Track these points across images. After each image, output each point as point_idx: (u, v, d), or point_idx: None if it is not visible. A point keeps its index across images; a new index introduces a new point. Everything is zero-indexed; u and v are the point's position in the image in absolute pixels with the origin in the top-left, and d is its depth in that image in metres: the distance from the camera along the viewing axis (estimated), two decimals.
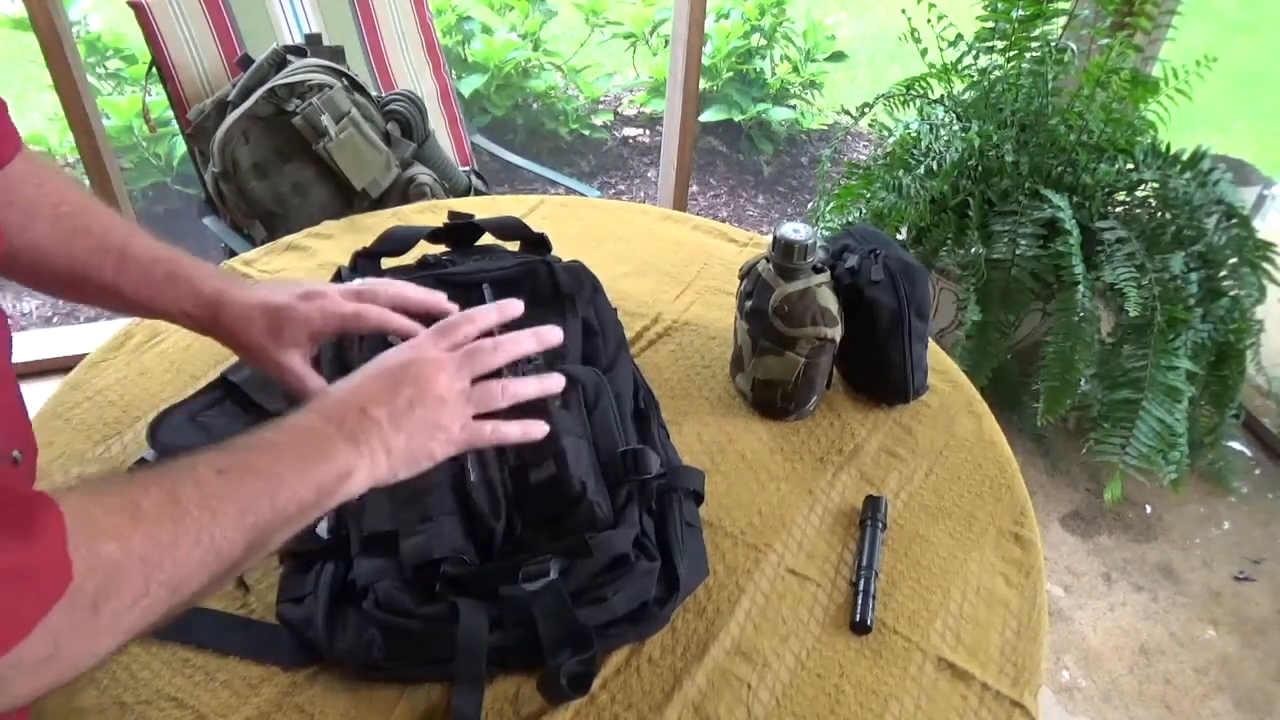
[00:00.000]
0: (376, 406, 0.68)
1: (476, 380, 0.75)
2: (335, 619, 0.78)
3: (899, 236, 2.23)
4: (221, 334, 0.83)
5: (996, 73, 2.17)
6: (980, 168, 2.11)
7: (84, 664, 0.51)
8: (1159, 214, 2.05)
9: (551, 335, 0.80)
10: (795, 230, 0.99)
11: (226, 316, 0.82)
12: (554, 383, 0.79)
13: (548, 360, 0.92)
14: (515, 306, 0.82)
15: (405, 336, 0.81)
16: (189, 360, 1.12)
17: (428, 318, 0.84)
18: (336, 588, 0.80)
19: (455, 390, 0.72)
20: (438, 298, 0.88)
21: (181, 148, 2.71)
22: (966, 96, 2.24)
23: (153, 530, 0.54)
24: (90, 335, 2.61)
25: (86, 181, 2.08)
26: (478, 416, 0.74)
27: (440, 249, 1.17)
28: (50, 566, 0.48)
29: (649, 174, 3.60)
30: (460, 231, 1.16)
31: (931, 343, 1.16)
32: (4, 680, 0.47)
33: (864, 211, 2.22)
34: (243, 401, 1.01)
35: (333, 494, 0.64)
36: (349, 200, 1.73)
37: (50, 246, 0.76)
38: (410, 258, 1.14)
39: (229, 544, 0.57)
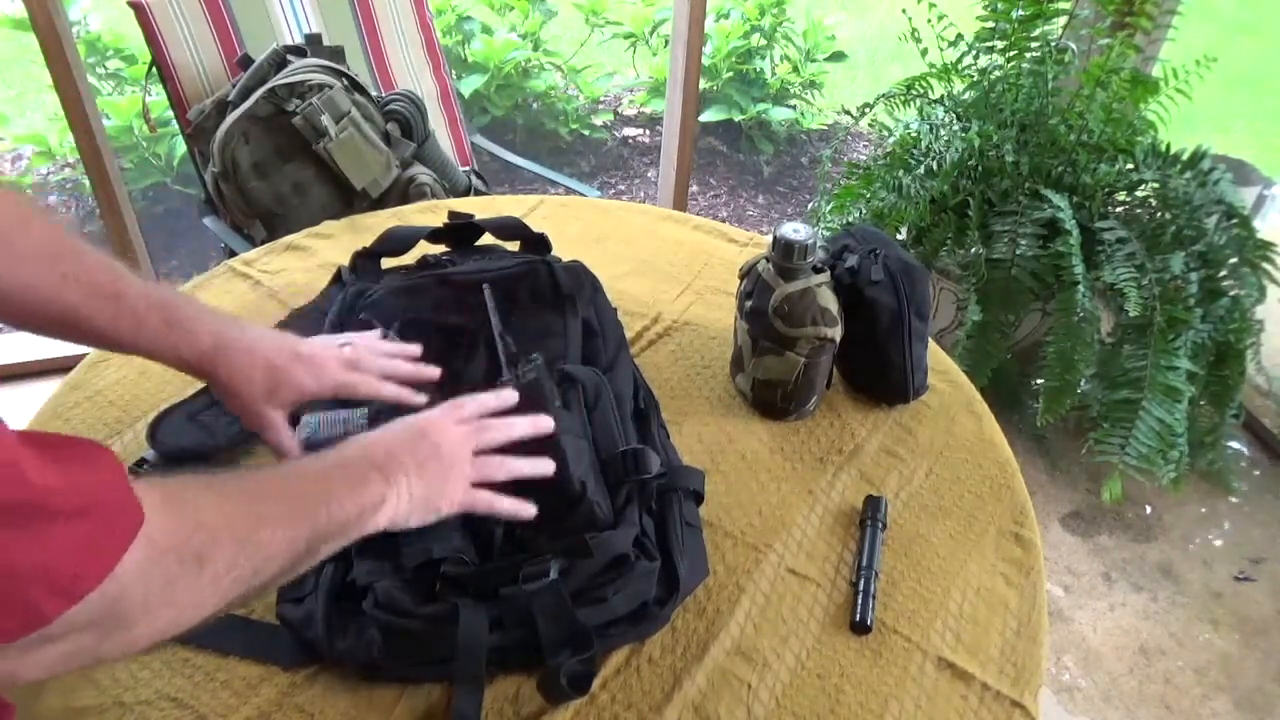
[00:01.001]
0: (404, 454, 0.76)
1: (479, 454, 0.81)
2: (335, 619, 0.78)
3: (899, 236, 2.23)
4: (217, 384, 0.85)
5: (996, 73, 2.17)
6: (980, 168, 2.11)
7: (193, 618, 0.57)
8: (1159, 214, 2.05)
9: (544, 424, 0.85)
10: (795, 230, 0.99)
11: (225, 370, 0.84)
12: (544, 465, 0.83)
13: (548, 362, 0.93)
14: (511, 396, 0.87)
15: (396, 404, 0.91)
16: None
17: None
18: (336, 588, 0.80)
19: (462, 457, 0.79)
20: (428, 372, 0.95)
21: (181, 148, 2.71)
22: (966, 96, 2.24)
23: (241, 508, 0.61)
24: None
25: (86, 182, 2.08)
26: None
27: (440, 249, 1.17)
28: (118, 493, 0.52)
29: (649, 174, 3.59)
30: (460, 231, 1.16)
31: (931, 343, 1.16)
32: (125, 613, 0.52)
33: (864, 211, 2.22)
34: None
35: (367, 520, 0.71)
36: (349, 200, 1.73)
37: (42, 291, 0.76)
38: (410, 257, 1.14)
39: (296, 540, 0.64)
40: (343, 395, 0.90)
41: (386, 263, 1.15)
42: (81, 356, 1.13)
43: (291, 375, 0.86)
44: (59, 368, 2.28)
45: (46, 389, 1.08)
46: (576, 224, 1.45)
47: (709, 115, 3.56)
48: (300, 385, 0.87)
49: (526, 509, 0.80)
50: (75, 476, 0.50)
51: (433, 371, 0.95)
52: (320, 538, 0.67)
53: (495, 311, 1.01)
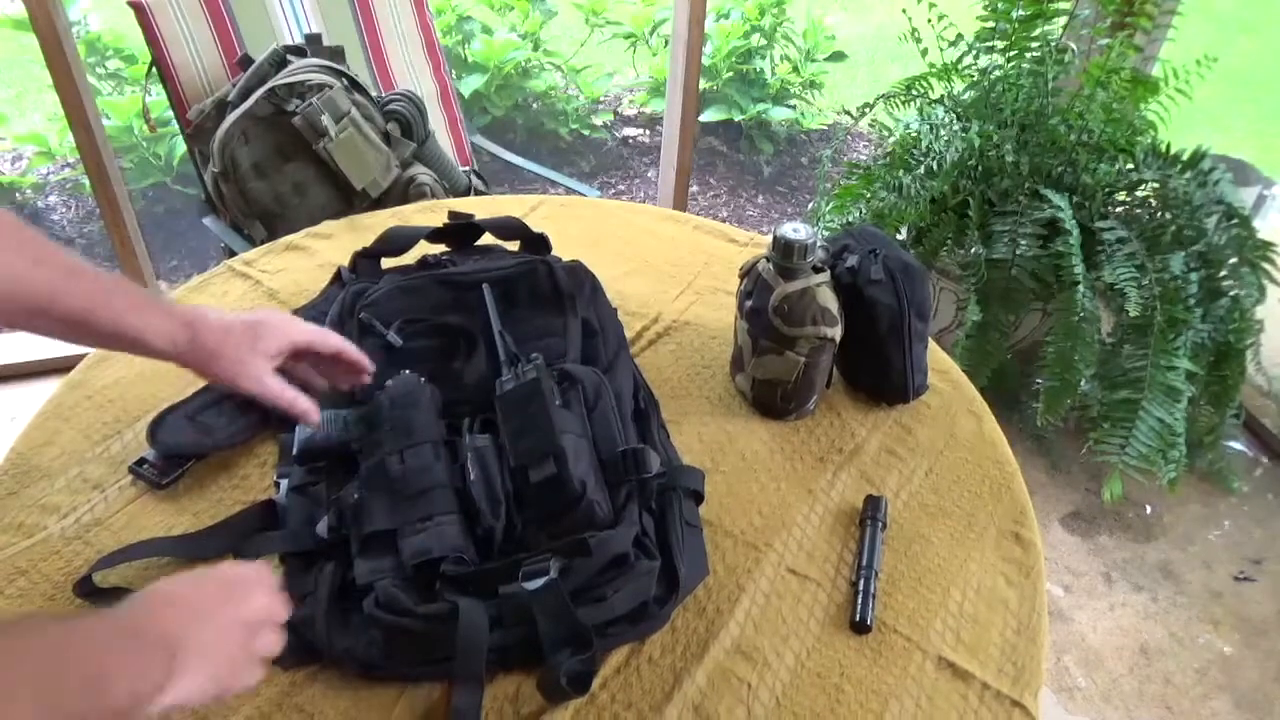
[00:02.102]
0: (210, 619, 0.65)
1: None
2: (335, 619, 0.78)
3: (899, 236, 2.23)
4: (199, 351, 0.85)
5: (997, 73, 2.17)
6: (980, 168, 2.11)
7: None
8: (1159, 214, 2.05)
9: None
10: (795, 230, 0.99)
11: (205, 333, 0.85)
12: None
13: (548, 361, 0.93)
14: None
15: (353, 366, 0.94)
16: None
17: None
18: (337, 587, 0.80)
19: (268, 629, 0.69)
20: (365, 361, 0.97)
21: (181, 148, 2.71)
22: (967, 96, 2.23)
23: None
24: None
25: (86, 182, 2.08)
26: None
27: (440, 249, 1.17)
28: None
29: (649, 174, 3.59)
30: (460, 231, 1.16)
31: (931, 342, 1.16)
32: None
33: (864, 211, 2.22)
34: (241, 402, 1.01)
35: (136, 707, 0.58)
36: (349, 200, 1.73)
37: (15, 273, 0.76)
38: (410, 257, 1.14)
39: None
40: (318, 343, 0.92)
41: (386, 262, 1.15)
42: (81, 356, 1.13)
43: (269, 322, 0.89)
44: (59, 368, 2.29)
45: (46, 389, 1.09)
46: (576, 224, 1.45)
47: (709, 115, 3.56)
48: (281, 329, 0.89)
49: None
50: None
51: (369, 364, 0.97)
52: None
53: (495, 311, 1.01)
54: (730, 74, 3.63)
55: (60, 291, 0.78)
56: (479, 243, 1.18)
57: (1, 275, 0.75)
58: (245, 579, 0.70)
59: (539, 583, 0.75)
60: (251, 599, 0.68)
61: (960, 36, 2.17)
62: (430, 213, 1.47)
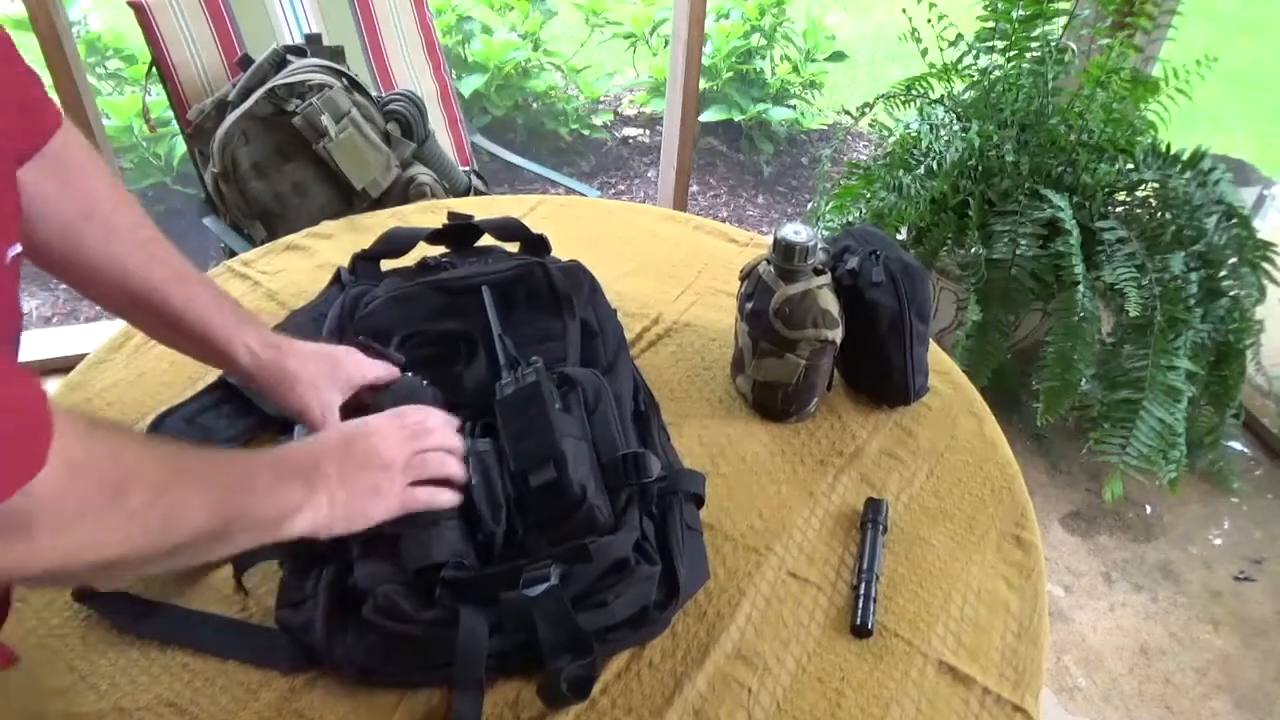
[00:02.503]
0: (331, 464, 0.75)
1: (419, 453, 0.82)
2: (335, 624, 0.78)
3: (899, 236, 2.22)
4: (280, 372, 0.88)
5: (996, 73, 2.17)
6: (980, 168, 2.10)
7: (94, 553, 0.55)
8: (1159, 214, 2.05)
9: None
10: (796, 232, 0.99)
11: (291, 353, 0.89)
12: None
13: (547, 364, 0.92)
14: (454, 420, 0.89)
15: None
16: (188, 362, 1.11)
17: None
18: (336, 592, 0.79)
19: (398, 460, 0.80)
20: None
21: (181, 148, 2.71)
22: (966, 96, 2.23)
23: (164, 464, 0.61)
24: (91, 335, 2.61)
25: None
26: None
27: (440, 250, 1.16)
28: (36, 409, 0.52)
29: (649, 174, 3.59)
30: (460, 232, 1.16)
31: (932, 344, 1.16)
32: (30, 526, 0.51)
33: (864, 211, 2.22)
34: (241, 404, 1.01)
35: (282, 524, 0.71)
36: (349, 200, 1.72)
37: (129, 266, 0.81)
38: (410, 259, 1.14)
39: (212, 515, 0.63)
40: (383, 378, 0.95)
41: (386, 264, 1.15)
42: (82, 357, 1.13)
43: (346, 360, 0.93)
44: (59, 368, 2.28)
45: (46, 389, 1.08)
46: (576, 224, 1.45)
47: (709, 115, 3.56)
48: (357, 368, 0.93)
49: (448, 497, 0.82)
50: None
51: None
52: (235, 526, 0.66)
53: (494, 314, 1.01)
54: (730, 74, 3.63)
55: (165, 292, 0.83)
56: (478, 244, 1.18)
57: (116, 267, 0.80)
58: (364, 427, 0.81)
59: (540, 589, 0.75)
60: (372, 444, 0.79)
61: (960, 36, 2.17)
62: (430, 213, 1.47)
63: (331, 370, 0.91)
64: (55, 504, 0.52)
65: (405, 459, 0.80)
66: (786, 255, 0.99)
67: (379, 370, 0.95)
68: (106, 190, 0.81)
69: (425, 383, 0.94)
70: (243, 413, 1.01)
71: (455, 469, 0.83)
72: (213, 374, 1.06)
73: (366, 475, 0.77)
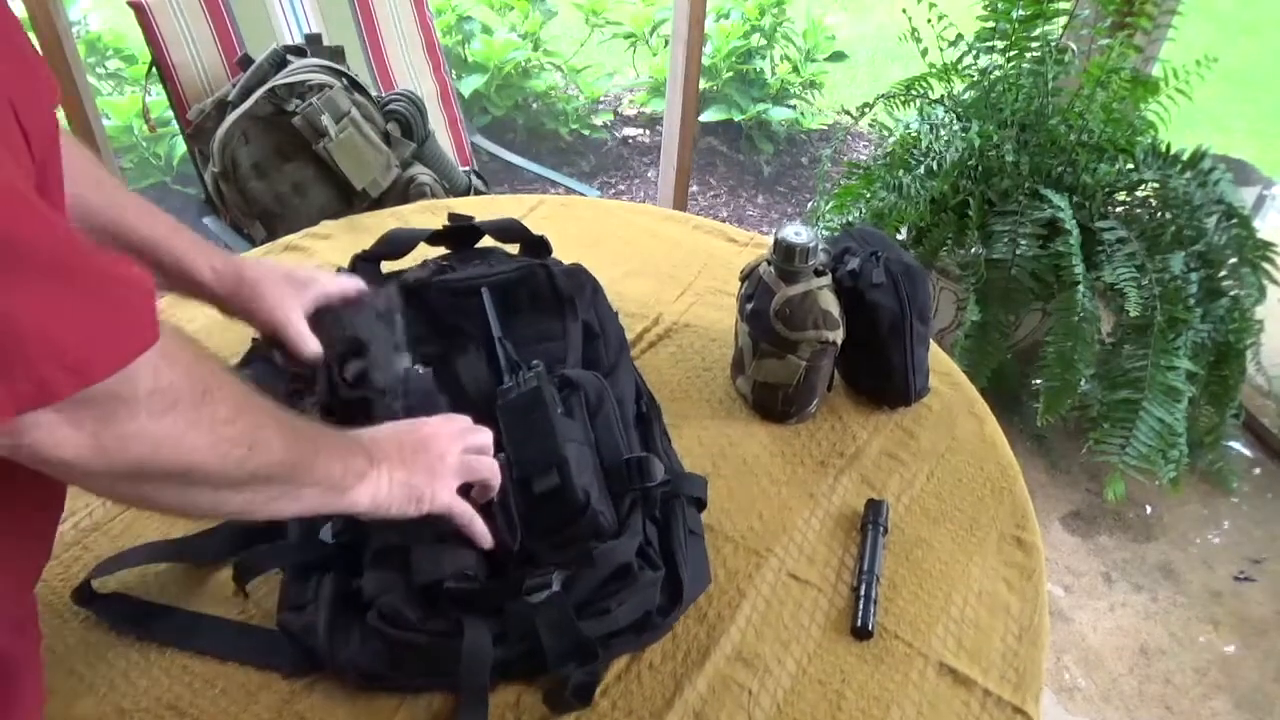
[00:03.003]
0: (390, 444, 0.77)
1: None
2: (338, 629, 0.78)
3: (899, 236, 2.22)
4: (242, 285, 0.91)
5: (996, 73, 2.16)
6: (980, 168, 2.10)
7: (179, 452, 0.56)
8: (1159, 214, 2.05)
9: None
10: (796, 233, 0.98)
11: (249, 266, 0.92)
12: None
13: (549, 366, 0.92)
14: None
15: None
16: None
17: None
18: (339, 598, 0.79)
19: (451, 453, 0.80)
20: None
21: (181, 148, 2.71)
22: (966, 96, 2.23)
23: (239, 386, 0.62)
24: None
25: None
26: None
27: (440, 251, 1.16)
28: (144, 299, 0.53)
29: (649, 174, 3.59)
30: (460, 234, 1.16)
31: (933, 344, 1.16)
32: (126, 411, 0.52)
33: (864, 211, 2.21)
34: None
35: (350, 487, 0.71)
36: (349, 200, 1.72)
37: (93, 203, 0.83)
38: (410, 260, 1.14)
39: (289, 453, 0.65)
40: (350, 291, 0.99)
41: (386, 266, 1.15)
42: None
43: (303, 271, 0.97)
44: None
45: None
46: (576, 224, 1.44)
47: (709, 115, 3.56)
48: (319, 284, 0.96)
49: (488, 540, 0.81)
50: (106, 262, 0.50)
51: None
52: (306, 476, 0.67)
53: (494, 316, 1.01)
54: (730, 74, 3.62)
55: (128, 225, 0.85)
56: (479, 245, 1.18)
57: (78, 207, 0.81)
58: (422, 428, 0.82)
59: (542, 596, 0.75)
60: (428, 439, 0.80)
61: (960, 36, 2.16)
62: (430, 213, 1.47)
63: (291, 277, 0.94)
64: (153, 385, 0.52)
65: (455, 454, 0.81)
66: (787, 256, 0.99)
67: (344, 283, 0.98)
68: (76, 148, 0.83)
69: (435, 384, 0.93)
70: None
71: (497, 475, 0.83)
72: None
73: (424, 459, 0.78)
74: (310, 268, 0.98)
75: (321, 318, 0.96)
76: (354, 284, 1.00)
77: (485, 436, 0.84)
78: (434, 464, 0.78)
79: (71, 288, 0.48)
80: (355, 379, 0.93)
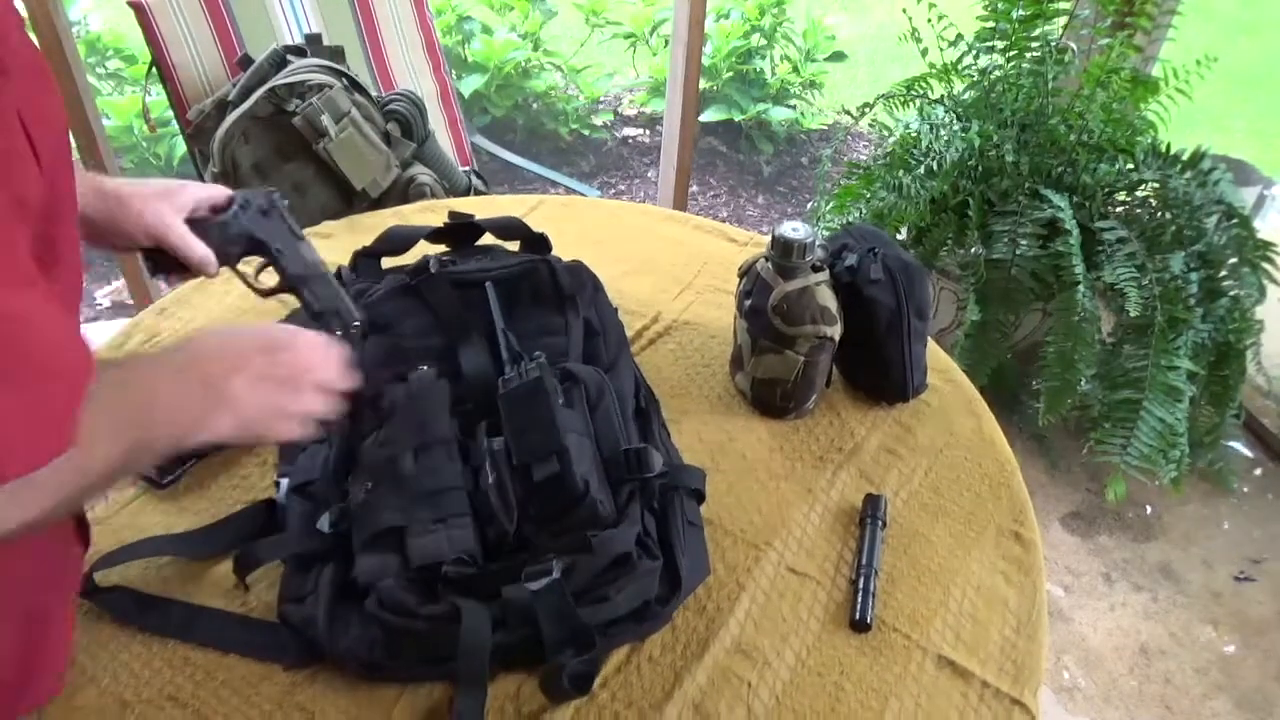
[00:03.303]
0: (243, 374, 0.72)
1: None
2: (337, 618, 0.78)
3: (899, 236, 2.23)
4: (112, 206, 0.89)
5: (997, 73, 2.17)
6: (980, 168, 2.11)
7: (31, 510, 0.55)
8: (1159, 214, 2.05)
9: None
10: (794, 229, 0.99)
11: (117, 188, 0.90)
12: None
13: (550, 360, 0.93)
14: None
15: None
16: None
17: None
18: (338, 587, 0.80)
19: (310, 387, 0.77)
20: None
21: (181, 148, 2.71)
22: (966, 96, 2.23)
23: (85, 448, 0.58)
24: (90, 335, 2.61)
25: None
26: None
27: (440, 249, 1.17)
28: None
29: (649, 174, 3.59)
30: (460, 231, 1.16)
31: (931, 342, 1.16)
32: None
33: (864, 211, 2.22)
34: None
35: (181, 437, 0.68)
36: (349, 200, 1.73)
37: None
38: (410, 257, 1.14)
39: (111, 445, 0.61)
40: (218, 196, 0.98)
41: (386, 262, 1.15)
42: None
43: (180, 185, 0.95)
44: None
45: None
46: (576, 224, 1.45)
47: (709, 115, 3.56)
48: (188, 190, 0.95)
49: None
50: (42, 356, 0.51)
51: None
52: (133, 456, 0.64)
53: (498, 309, 1.01)
54: (730, 74, 3.63)
55: None
56: (479, 243, 1.18)
57: None
58: (292, 341, 0.77)
59: (541, 583, 0.75)
60: (297, 359, 0.76)
61: (960, 36, 2.17)
62: (430, 213, 1.47)
63: (164, 190, 0.93)
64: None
65: (314, 389, 0.77)
66: (785, 252, 0.99)
67: (213, 189, 0.97)
68: None
69: (440, 379, 0.93)
70: None
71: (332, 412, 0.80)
72: None
73: (280, 396, 0.74)
74: (185, 182, 0.97)
75: (205, 225, 0.95)
76: (222, 190, 0.98)
77: (345, 379, 0.81)
78: (284, 401, 0.75)
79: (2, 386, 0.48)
80: (268, 278, 0.96)
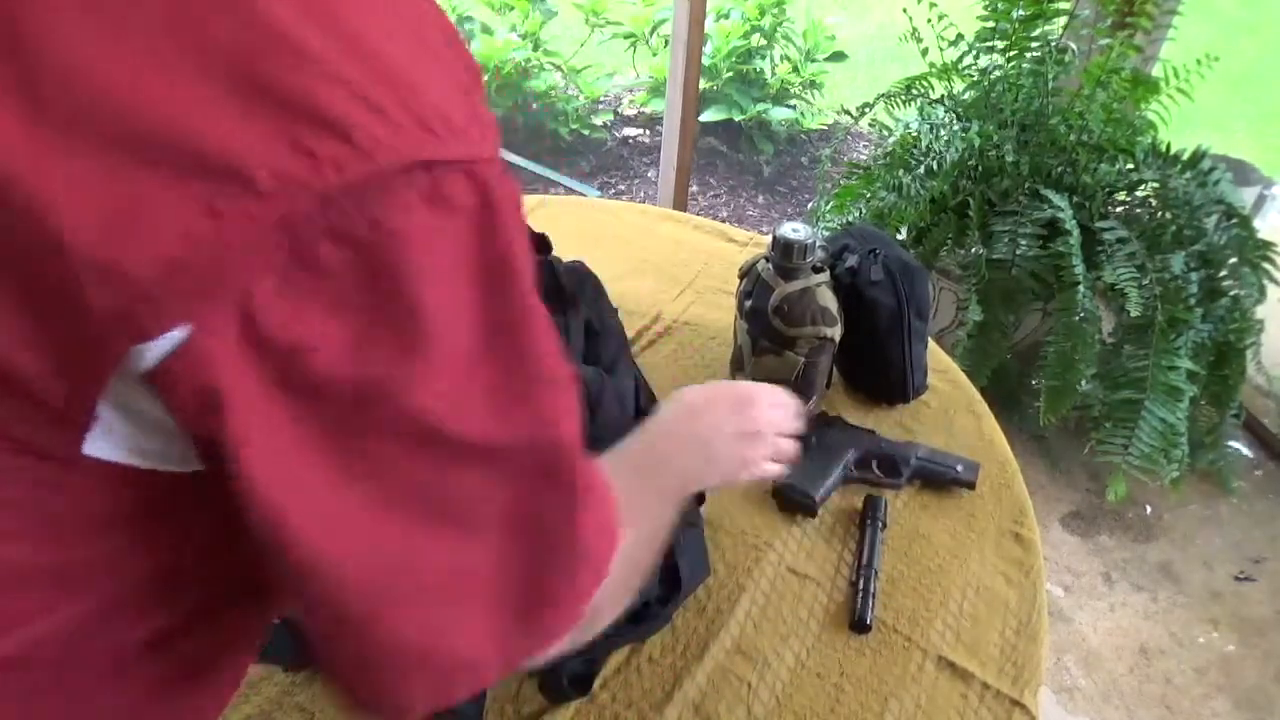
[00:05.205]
0: (727, 428, 0.75)
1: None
2: None
3: (899, 236, 2.23)
4: None
5: (997, 73, 2.17)
6: (980, 168, 2.11)
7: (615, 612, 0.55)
8: (1159, 214, 2.05)
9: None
10: (795, 230, 0.99)
11: None
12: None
13: None
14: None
15: None
16: None
17: None
18: None
19: (770, 438, 0.78)
20: None
21: None
22: (967, 96, 2.23)
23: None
24: None
25: None
26: None
27: None
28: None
29: (649, 174, 3.59)
30: None
31: (931, 342, 1.16)
32: (598, 609, 0.50)
33: (864, 211, 2.22)
34: None
35: (687, 492, 0.70)
36: None
37: None
38: None
39: (650, 554, 0.62)
40: None
41: None
42: None
43: None
44: None
45: None
46: (576, 224, 1.45)
47: (709, 115, 3.56)
48: None
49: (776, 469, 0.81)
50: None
51: None
52: (665, 505, 0.66)
53: None
54: (730, 74, 3.63)
55: None
56: None
57: None
58: (756, 396, 0.78)
59: None
60: (761, 415, 0.77)
61: (960, 36, 2.17)
62: None
63: None
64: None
65: (771, 439, 0.79)
66: (785, 253, 0.99)
67: None
68: None
69: None
70: None
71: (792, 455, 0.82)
72: None
73: (749, 448, 0.76)
74: None
75: None
76: None
77: (794, 424, 0.82)
78: (752, 456, 0.77)
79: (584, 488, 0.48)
80: None
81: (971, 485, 1.01)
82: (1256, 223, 2.05)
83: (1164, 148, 2.04)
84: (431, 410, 0.39)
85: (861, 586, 0.89)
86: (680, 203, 2.65)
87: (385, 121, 0.35)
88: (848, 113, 2.30)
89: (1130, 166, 2.04)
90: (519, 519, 0.44)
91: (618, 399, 0.94)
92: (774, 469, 0.79)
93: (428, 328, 0.38)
